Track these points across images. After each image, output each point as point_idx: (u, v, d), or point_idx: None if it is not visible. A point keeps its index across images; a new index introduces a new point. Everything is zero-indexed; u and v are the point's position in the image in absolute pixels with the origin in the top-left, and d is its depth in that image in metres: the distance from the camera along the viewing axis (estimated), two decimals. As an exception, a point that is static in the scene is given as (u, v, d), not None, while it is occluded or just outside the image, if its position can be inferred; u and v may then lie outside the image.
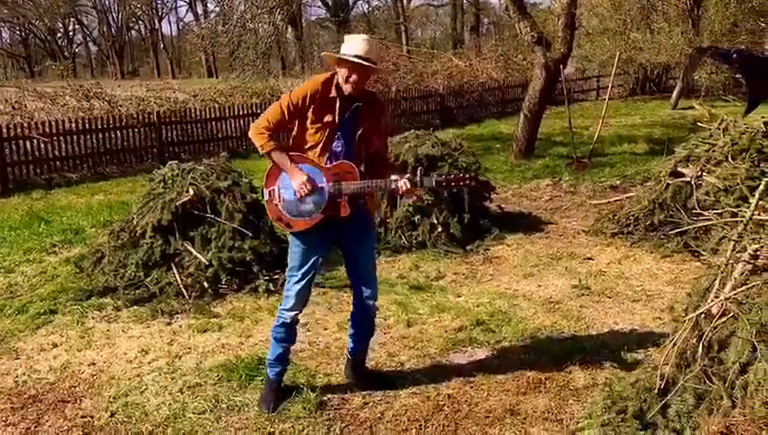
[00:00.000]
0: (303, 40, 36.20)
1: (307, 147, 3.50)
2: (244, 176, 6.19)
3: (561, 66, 11.44)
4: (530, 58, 19.98)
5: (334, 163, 3.47)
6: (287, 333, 3.65)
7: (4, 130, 10.80)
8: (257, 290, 5.44)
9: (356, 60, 3.34)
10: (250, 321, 4.91)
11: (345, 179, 3.45)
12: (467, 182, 3.50)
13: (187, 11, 57.00)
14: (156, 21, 58.01)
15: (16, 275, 6.08)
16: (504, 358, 4.20)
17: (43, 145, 11.15)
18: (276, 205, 3.53)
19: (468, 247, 6.50)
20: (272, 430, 3.46)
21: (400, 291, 5.44)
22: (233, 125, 13.50)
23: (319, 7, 44.22)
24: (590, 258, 6.18)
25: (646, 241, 6.43)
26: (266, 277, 5.54)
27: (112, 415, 3.64)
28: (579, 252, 6.35)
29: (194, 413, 3.61)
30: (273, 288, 5.43)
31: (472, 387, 3.83)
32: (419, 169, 3.70)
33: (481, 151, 11.44)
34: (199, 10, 53.16)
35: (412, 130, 7.48)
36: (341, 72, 3.42)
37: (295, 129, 3.52)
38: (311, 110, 3.45)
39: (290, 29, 31.79)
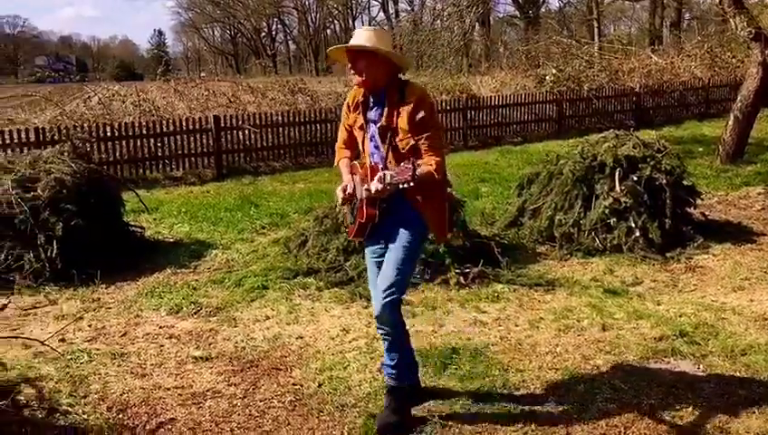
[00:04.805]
0: (491, 37, 35.97)
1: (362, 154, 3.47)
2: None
3: (781, 64, 10.40)
4: (740, 56, 18.42)
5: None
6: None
7: (222, 121, 11.97)
8: (448, 282, 5.56)
9: (345, 45, 3.27)
10: (442, 311, 5.04)
11: (365, 183, 3.28)
12: (407, 177, 2.93)
13: (379, 10, 59.03)
14: (350, 20, 60.81)
15: (232, 252, 6.74)
16: (711, 373, 3.95)
17: (252, 135, 12.20)
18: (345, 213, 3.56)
19: (668, 255, 6.16)
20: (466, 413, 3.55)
21: (594, 294, 5.30)
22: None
23: (508, 4, 43.80)
24: (811, 275, 5.61)
25: None
26: (458, 271, 5.63)
27: (320, 386, 3.93)
28: (798, 268, 5.79)
29: (393, 393, 3.79)
30: (463, 281, 5.52)
31: (675, 399, 3.65)
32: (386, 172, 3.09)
33: (681, 155, 10.60)
34: (390, 9, 54.90)
35: (611, 130, 7.22)
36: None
37: None
38: (353, 116, 3.44)
39: (477, 26, 31.80)
